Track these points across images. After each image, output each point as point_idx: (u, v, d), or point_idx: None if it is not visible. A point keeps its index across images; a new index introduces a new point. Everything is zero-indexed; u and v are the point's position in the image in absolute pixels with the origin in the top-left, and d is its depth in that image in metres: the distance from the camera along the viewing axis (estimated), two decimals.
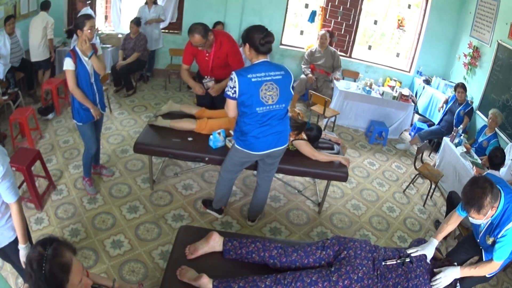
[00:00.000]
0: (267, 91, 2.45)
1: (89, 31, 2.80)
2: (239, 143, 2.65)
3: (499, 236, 1.96)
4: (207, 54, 3.31)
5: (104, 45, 5.59)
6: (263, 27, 2.45)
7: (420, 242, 2.26)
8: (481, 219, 1.92)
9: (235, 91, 2.41)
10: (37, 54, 4.82)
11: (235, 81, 2.39)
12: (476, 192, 1.85)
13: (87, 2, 5.08)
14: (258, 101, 2.44)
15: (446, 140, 4.37)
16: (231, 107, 2.52)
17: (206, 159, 3.09)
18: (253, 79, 2.40)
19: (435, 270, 2.06)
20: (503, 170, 3.48)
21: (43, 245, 1.28)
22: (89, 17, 2.86)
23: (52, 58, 5.06)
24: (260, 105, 2.46)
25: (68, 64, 2.80)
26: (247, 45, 2.44)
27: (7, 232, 1.89)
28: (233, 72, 2.42)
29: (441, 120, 4.95)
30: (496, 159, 3.12)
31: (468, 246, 2.49)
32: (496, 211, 1.94)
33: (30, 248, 1.85)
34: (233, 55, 3.28)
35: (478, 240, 2.23)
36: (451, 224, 2.25)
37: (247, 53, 2.49)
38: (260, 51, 2.43)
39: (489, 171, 3.14)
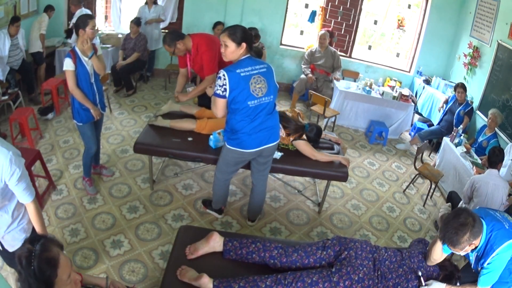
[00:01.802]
0: (256, 84, 2.48)
1: (91, 30, 2.80)
2: (230, 142, 2.65)
3: (485, 264, 1.94)
4: (189, 58, 3.35)
5: (104, 45, 5.60)
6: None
7: (420, 242, 2.25)
8: (458, 252, 1.89)
9: (225, 88, 2.40)
10: (31, 46, 4.97)
11: (224, 78, 2.38)
12: (455, 227, 1.79)
13: (81, 4, 5.10)
14: (249, 94, 2.46)
15: (446, 140, 4.38)
16: (220, 106, 2.49)
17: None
18: (242, 74, 2.42)
19: (423, 278, 2.00)
20: (503, 170, 3.48)
21: (31, 242, 1.30)
22: (91, 16, 2.89)
23: (44, 54, 5.10)
24: (252, 99, 2.48)
25: (68, 65, 2.80)
26: (244, 44, 2.43)
27: (18, 235, 1.89)
28: (222, 70, 2.42)
29: (441, 120, 4.95)
30: (494, 157, 3.11)
31: (467, 273, 2.37)
32: (478, 245, 1.90)
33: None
34: (206, 59, 3.24)
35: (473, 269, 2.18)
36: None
37: (238, 52, 2.45)
38: (252, 48, 2.52)
39: (489, 170, 3.15)
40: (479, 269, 2.00)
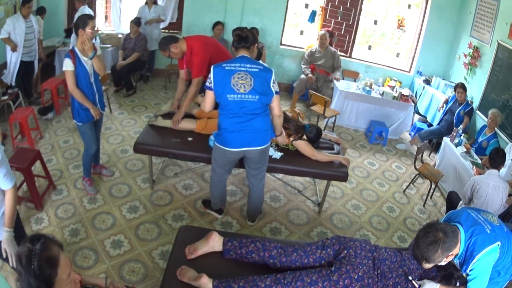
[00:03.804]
0: (239, 79, 2.52)
1: (91, 30, 2.81)
2: (216, 139, 2.73)
3: (468, 271, 1.90)
4: (185, 60, 3.36)
5: (104, 45, 5.60)
6: (245, 27, 2.65)
7: None
8: (439, 264, 1.87)
9: (211, 81, 2.54)
10: None
11: (211, 72, 2.54)
12: (425, 246, 1.76)
13: (86, 1, 5.09)
14: (229, 88, 2.51)
15: (446, 140, 4.37)
16: (208, 98, 2.62)
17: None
18: (226, 68, 2.53)
19: (415, 281, 1.98)
20: (503, 170, 3.48)
21: (31, 241, 1.31)
22: (91, 17, 2.89)
23: (43, 58, 5.01)
24: (231, 92, 2.52)
25: (68, 65, 2.80)
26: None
27: (1, 229, 1.89)
28: (212, 66, 2.58)
29: (441, 120, 4.95)
30: (498, 158, 3.10)
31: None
32: (458, 253, 1.87)
33: (13, 237, 1.87)
34: (196, 61, 3.22)
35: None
36: None
37: (234, 52, 2.67)
38: (235, 46, 2.60)
39: (489, 170, 3.14)
40: (464, 275, 1.98)
